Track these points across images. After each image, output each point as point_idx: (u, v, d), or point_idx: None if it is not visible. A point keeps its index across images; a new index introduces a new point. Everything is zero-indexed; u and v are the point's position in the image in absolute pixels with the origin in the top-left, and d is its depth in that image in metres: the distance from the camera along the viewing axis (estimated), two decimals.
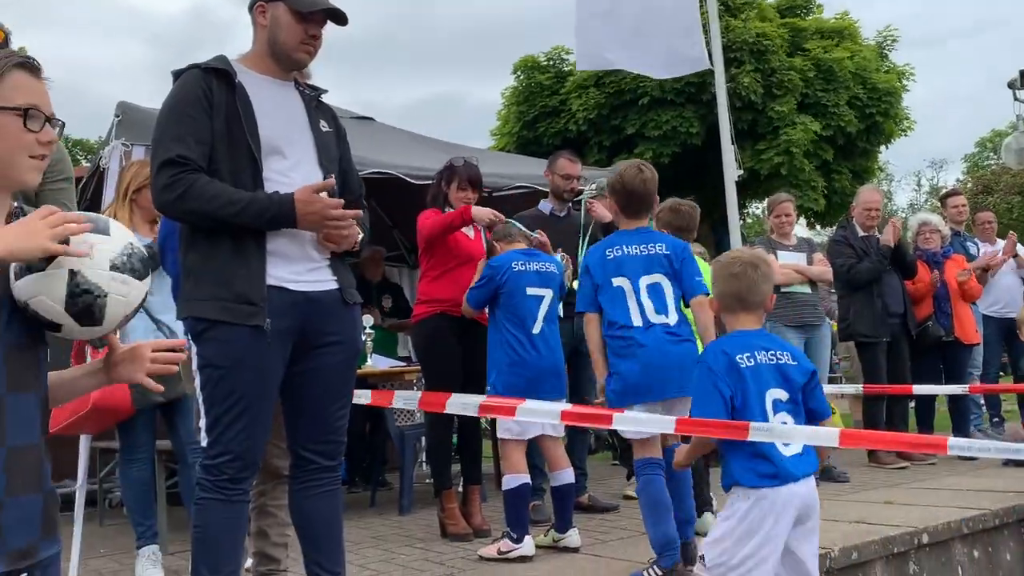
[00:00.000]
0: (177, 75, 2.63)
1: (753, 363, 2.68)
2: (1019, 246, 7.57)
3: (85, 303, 1.61)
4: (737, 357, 2.68)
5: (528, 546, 3.80)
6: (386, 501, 5.71)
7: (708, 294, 3.41)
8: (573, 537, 3.93)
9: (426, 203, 4.63)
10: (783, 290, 5.53)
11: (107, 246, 1.65)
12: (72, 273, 1.60)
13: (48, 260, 1.57)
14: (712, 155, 8.68)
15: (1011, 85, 10.70)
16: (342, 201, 2.60)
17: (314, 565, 2.69)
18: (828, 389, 3.79)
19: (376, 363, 5.95)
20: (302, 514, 2.72)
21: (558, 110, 14.27)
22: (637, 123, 13.38)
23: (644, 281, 3.47)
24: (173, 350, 1.83)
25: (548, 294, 4.09)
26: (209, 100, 2.54)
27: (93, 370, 1.83)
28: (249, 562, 3.17)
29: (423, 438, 5.81)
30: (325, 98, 2.89)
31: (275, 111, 2.64)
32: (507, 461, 3.99)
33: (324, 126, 2.76)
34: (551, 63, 14.91)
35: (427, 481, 5.78)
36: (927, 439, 2.08)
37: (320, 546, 2.70)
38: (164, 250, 3.54)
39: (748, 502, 2.56)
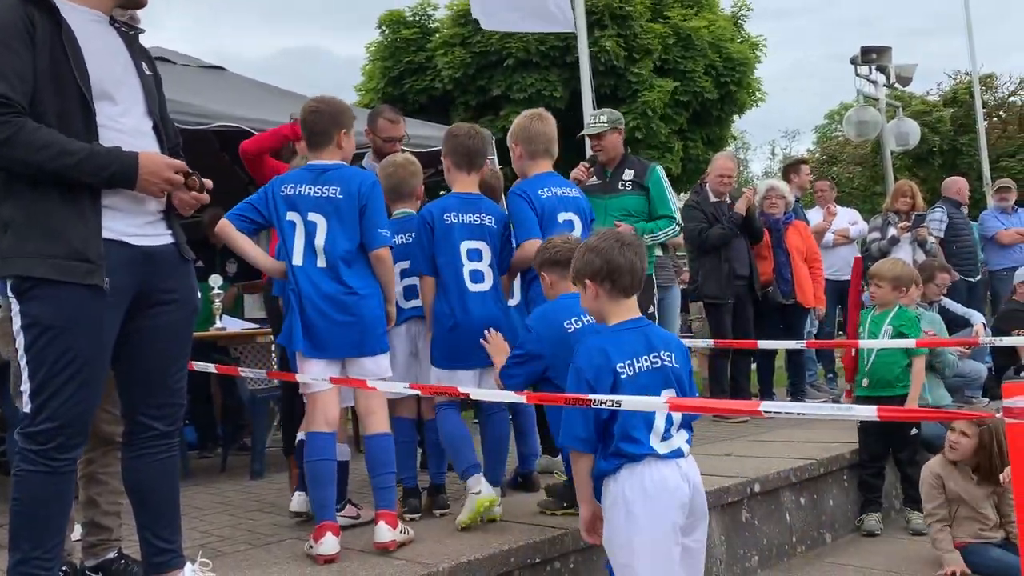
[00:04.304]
0: None
1: None
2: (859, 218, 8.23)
3: None
4: None
5: None
6: (240, 466, 5.57)
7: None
8: None
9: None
10: None
11: None
12: None
13: None
14: (575, 119, 8.77)
15: (853, 61, 11.24)
16: (185, 166, 2.47)
17: (148, 534, 2.60)
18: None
19: (227, 325, 5.76)
20: (137, 482, 2.61)
21: (424, 67, 14.04)
22: (503, 84, 13.35)
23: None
24: None
25: None
26: (31, 34, 2.29)
27: None
28: (78, 532, 3.03)
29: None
30: (143, 39, 2.64)
31: (102, 51, 2.42)
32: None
33: (146, 69, 2.57)
34: (416, 18, 14.62)
35: (282, 445, 5.67)
36: (744, 404, 2.22)
37: (155, 515, 2.60)
38: None
39: None
